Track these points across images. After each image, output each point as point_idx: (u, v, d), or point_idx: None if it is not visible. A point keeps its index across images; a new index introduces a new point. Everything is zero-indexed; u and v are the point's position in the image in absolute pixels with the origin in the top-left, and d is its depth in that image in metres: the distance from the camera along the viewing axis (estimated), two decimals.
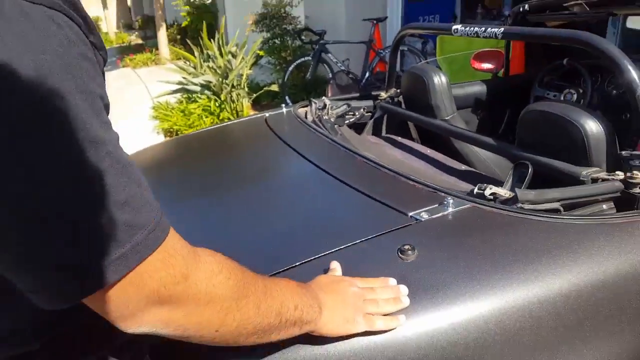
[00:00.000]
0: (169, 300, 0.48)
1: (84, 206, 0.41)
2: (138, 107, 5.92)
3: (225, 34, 6.50)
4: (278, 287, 0.63)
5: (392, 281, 0.80)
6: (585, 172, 1.18)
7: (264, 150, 1.50)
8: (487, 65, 2.56)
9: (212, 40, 4.89)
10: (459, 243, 0.91)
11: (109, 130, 0.45)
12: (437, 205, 1.01)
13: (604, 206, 1.15)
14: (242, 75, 4.82)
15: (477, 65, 2.57)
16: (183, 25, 9.41)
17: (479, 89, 2.42)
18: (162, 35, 8.97)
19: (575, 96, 2.23)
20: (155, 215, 0.47)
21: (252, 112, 5.29)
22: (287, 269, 0.86)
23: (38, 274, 0.42)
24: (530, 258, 0.86)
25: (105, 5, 13.60)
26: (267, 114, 1.82)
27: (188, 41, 6.04)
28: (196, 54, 4.94)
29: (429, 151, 1.90)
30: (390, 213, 1.01)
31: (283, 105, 1.89)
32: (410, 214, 0.99)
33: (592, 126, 1.20)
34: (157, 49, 9.37)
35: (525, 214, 0.97)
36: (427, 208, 1.00)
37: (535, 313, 0.81)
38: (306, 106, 1.96)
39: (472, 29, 1.52)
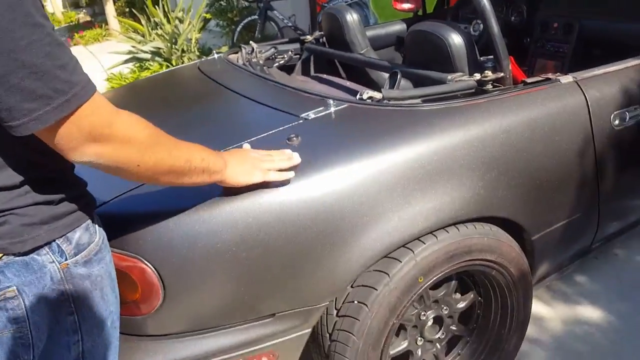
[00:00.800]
0: (100, 138, 0.70)
1: (38, 65, 0.63)
2: (94, 80, 5.94)
3: (172, 0, 6.50)
4: (188, 145, 0.85)
5: (289, 152, 1.07)
6: (450, 76, 1.46)
7: (194, 87, 1.73)
8: (407, 5, 2.79)
9: (157, 7, 4.95)
10: (334, 130, 1.19)
11: (47, 20, 0.67)
12: (322, 107, 1.27)
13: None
14: (191, 39, 4.92)
15: (398, 5, 2.80)
16: None
17: (399, 27, 2.66)
18: (110, 9, 8.82)
19: (481, 26, 2.50)
20: (85, 77, 0.70)
21: None
22: None
23: (14, 114, 0.64)
24: (382, 134, 1.14)
25: None
26: (198, 61, 2.03)
27: (135, 12, 6.04)
28: (143, 22, 5.00)
29: (348, 83, 2.15)
30: (287, 117, 1.27)
31: (214, 51, 2.09)
32: (301, 115, 1.25)
33: (454, 37, 1.47)
34: (106, 24, 9.21)
35: (386, 106, 1.24)
36: (314, 110, 1.26)
37: (385, 173, 1.10)
38: (237, 52, 2.17)
39: None
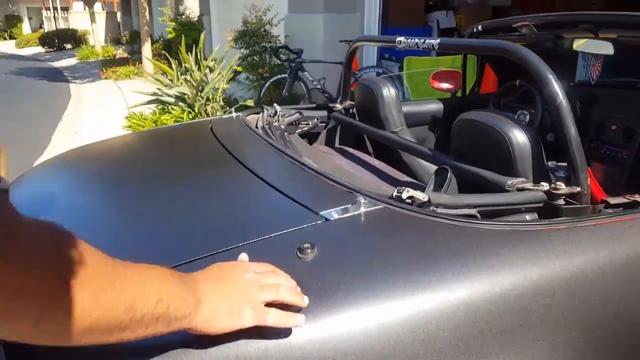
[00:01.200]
0: None
1: None
2: (114, 116, 5.89)
3: (206, 49, 6.53)
4: (139, 277, 0.55)
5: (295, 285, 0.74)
6: (510, 182, 1.18)
7: (199, 152, 1.48)
8: (445, 85, 2.59)
9: (190, 54, 4.91)
10: (364, 242, 0.90)
11: None
12: (349, 205, 0.99)
13: (527, 217, 1.14)
14: (217, 89, 4.83)
15: (436, 84, 2.61)
16: (168, 38, 9.46)
17: (435, 106, 2.44)
18: (147, 49, 8.99)
19: (527, 117, 2.26)
20: None
21: None
22: (183, 264, 0.83)
23: None
24: (432, 261, 0.84)
25: (93, 19, 13.65)
26: (212, 119, 1.80)
27: (167, 55, 6.06)
28: (174, 66, 4.95)
29: (376, 162, 1.89)
30: (302, 211, 0.99)
31: (233, 110, 1.87)
32: (321, 212, 0.97)
33: (517, 135, 1.20)
34: (140, 62, 9.38)
35: (436, 216, 0.95)
36: (338, 208, 0.98)
37: (434, 323, 0.78)
38: (258, 113, 1.95)
39: (412, 40, 1.54)
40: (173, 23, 8.90)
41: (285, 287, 0.69)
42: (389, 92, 1.88)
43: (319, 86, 5.16)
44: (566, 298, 0.89)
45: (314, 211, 0.98)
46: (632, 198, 1.15)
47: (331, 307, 0.74)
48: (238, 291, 0.65)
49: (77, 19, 20.12)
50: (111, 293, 0.50)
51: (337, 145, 2.13)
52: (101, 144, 1.70)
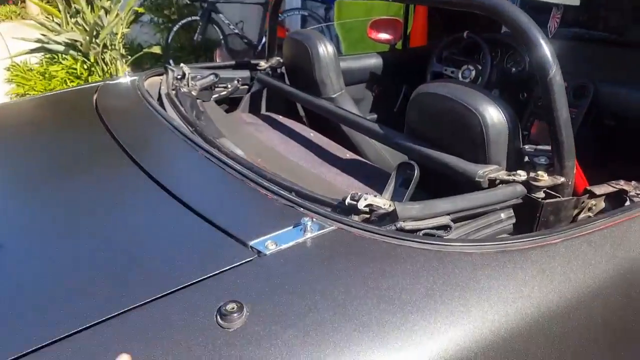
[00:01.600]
0: None
1: None
2: None
3: None
4: None
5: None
6: (482, 171, 0.96)
7: (79, 137, 1.09)
8: (384, 36, 2.32)
9: None
10: (314, 290, 0.62)
11: None
12: (291, 228, 0.71)
13: (502, 215, 0.93)
14: (116, 34, 4.16)
15: (373, 35, 2.32)
16: None
17: (374, 61, 2.17)
18: None
19: (473, 72, 2.07)
20: None
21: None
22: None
23: None
24: (408, 308, 0.59)
25: None
26: (100, 84, 1.39)
27: None
28: (61, 8, 4.17)
29: (312, 134, 1.61)
30: (223, 241, 0.69)
31: (127, 72, 1.46)
32: (251, 243, 0.68)
33: (494, 115, 0.97)
34: (24, 2, 8.04)
35: (406, 239, 0.70)
36: (275, 233, 0.70)
37: None
38: (161, 74, 1.56)
39: None
40: None
41: None
42: (326, 50, 1.56)
43: (236, 30, 4.64)
44: (575, 330, 0.70)
45: (241, 241, 0.68)
46: (617, 186, 0.98)
47: None
48: None
49: None
50: None
51: (263, 112, 1.80)
52: None
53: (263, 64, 1.80)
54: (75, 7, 4.21)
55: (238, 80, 1.74)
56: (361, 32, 3.15)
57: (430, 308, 0.59)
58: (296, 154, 1.42)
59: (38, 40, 4.15)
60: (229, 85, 1.71)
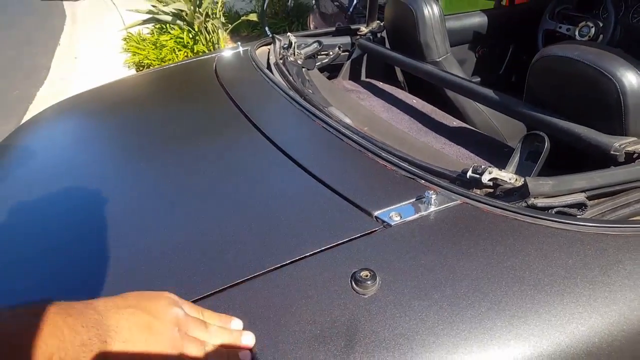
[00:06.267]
0: None
1: None
2: (112, 38, 5.45)
3: None
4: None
5: (236, 323, 0.54)
6: (618, 143, 0.88)
7: (201, 106, 1.17)
8: None
9: None
10: (443, 265, 0.63)
11: None
12: (413, 200, 0.71)
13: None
14: (217, 2, 4.32)
15: None
16: None
17: (478, 20, 2.04)
18: None
19: (593, 30, 1.87)
20: None
21: (230, 45, 4.84)
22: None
23: None
24: (546, 290, 0.58)
25: None
26: (217, 55, 1.46)
27: None
28: None
29: (415, 101, 1.57)
30: (349, 211, 0.71)
31: (239, 43, 1.52)
32: (376, 213, 0.70)
33: (633, 81, 0.88)
34: None
35: (539, 217, 0.67)
36: (399, 205, 0.71)
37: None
38: (269, 44, 1.60)
39: None
40: None
41: (211, 346, 0.51)
42: (431, 11, 1.50)
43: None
44: None
45: (366, 211, 0.70)
46: None
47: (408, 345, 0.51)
48: (163, 327, 0.47)
49: None
50: None
51: (363, 79, 1.79)
52: (97, 92, 1.39)
53: (363, 28, 1.77)
54: None
55: (339, 47, 1.73)
56: None
57: (570, 292, 0.57)
58: (401, 122, 1.40)
59: (149, 12, 4.43)
60: (331, 53, 1.71)
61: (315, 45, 1.63)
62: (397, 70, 1.82)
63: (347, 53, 1.77)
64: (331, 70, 1.78)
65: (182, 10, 4.27)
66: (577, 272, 0.59)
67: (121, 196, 0.83)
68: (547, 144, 0.80)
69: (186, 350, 0.48)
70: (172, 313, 0.49)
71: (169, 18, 4.35)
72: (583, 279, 0.58)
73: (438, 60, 1.57)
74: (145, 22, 4.54)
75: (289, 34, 1.55)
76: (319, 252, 0.64)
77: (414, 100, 1.57)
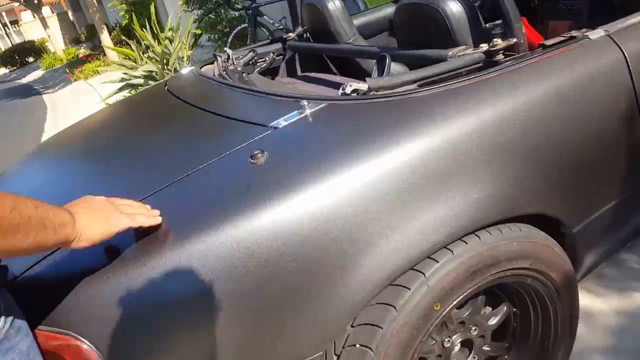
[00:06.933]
0: None
1: None
2: (92, 111, 5.89)
3: (163, 21, 6.38)
4: (11, 194, 0.62)
5: (149, 207, 0.85)
6: (451, 52, 1.22)
7: (156, 109, 1.53)
8: None
9: (145, 30, 4.82)
10: (311, 137, 0.96)
11: None
12: (296, 111, 1.05)
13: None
14: (182, 57, 4.77)
15: None
16: (123, 24, 9.22)
17: (390, 10, 2.41)
18: (106, 39, 8.80)
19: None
20: None
21: None
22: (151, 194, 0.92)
23: None
24: (369, 135, 0.91)
25: (45, 25, 13.21)
26: (167, 79, 1.84)
27: (126, 40, 5.95)
28: (134, 47, 4.88)
29: (339, 78, 1.92)
30: (254, 129, 1.05)
31: (185, 64, 1.89)
32: (271, 124, 1.03)
33: (451, 5, 1.22)
34: (104, 54, 9.21)
35: (373, 99, 1.01)
36: (285, 116, 1.04)
37: (378, 184, 0.87)
38: (212, 63, 1.97)
39: None
40: (123, 5, 8.64)
41: (140, 216, 0.80)
42: (334, 4, 1.87)
43: (281, 26, 5.06)
44: (502, 135, 0.97)
45: (263, 125, 1.04)
46: (568, 35, 1.18)
47: (284, 193, 0.83)
48: (103, 205, 0.76)
49: (30, 29, 19.40)
50: None
51: (299, 74, 2.15)
52: (76, 125, 1.76)
53: (291, 34, 2.15)
54: (144, 44, 4.89)
55: (273, 52, 2.10)
56: None
57: (386, 136, 0.91)
58: (324, 90, 1.74)
59: (121, 80, 4.90)
60: (267, 58, 2.08)
61: (251, 54, 2.00)
62: (327, 60, 2.19)
63: (281, 56, 2.14)
64: (271, 74, 2.14)
65: (151, 71, 4.72)
66: (396, 121, 0.93)
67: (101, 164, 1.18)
68: (388, 59, 1.14)
69: (126, 210, 0.78)
70: (101, 198, 0.78)
71: (141, 81, 4.79)
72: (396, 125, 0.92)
73: (349, 41, 1.94)
74: (120, 89, 4.99)
75: (225, 49, 1.92)
76: (231, 152, 0.97)
77: (338, 78, 1.92)
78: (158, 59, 4.67)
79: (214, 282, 0.78)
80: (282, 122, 1.02)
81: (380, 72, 1.17)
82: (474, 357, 1.14)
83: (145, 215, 0.81)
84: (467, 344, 1.13)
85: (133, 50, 4.89)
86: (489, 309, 1.14)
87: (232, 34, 5.09)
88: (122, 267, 0.78)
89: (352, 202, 0.85)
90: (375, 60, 1.18)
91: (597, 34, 1.13)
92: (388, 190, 0.88)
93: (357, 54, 1.67)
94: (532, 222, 1.05)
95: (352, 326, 0.92)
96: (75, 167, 1.29)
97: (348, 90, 1.10)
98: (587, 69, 1.07)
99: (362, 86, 1.10)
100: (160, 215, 0.84)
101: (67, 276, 0.79)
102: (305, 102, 1.04)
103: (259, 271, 0.80)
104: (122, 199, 0.83)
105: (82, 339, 0.75)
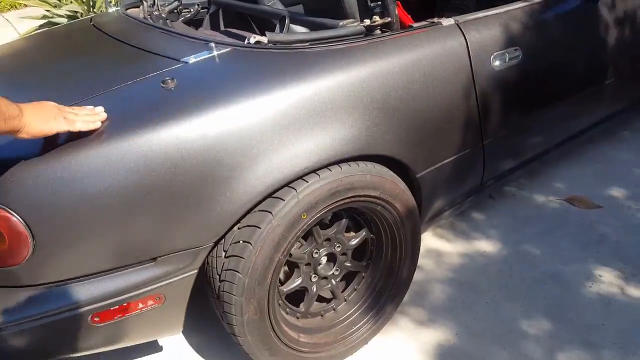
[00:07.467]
0: None
1: None
2: None
3: None
4: None
5: (99, 109, 1.04)
6: (341, 23, 1.47)
7: (79, 40, 1.66)
8: None
9: None
10: (215, 73, 1.19)
11: None
12: (204, 52, 1.26)
13: None
14: (110, 2, 4.66)
15: None
16: None
17: None
18: None
19: None
20: None
21: None
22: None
23: None
24: (263, 76, 1.15)
25: None
26: (93, 16, 1.94)
27: None
28: None
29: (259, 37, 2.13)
30: (167, 61, 1.26)
31: (112, 5, 2.00)
32: (182, 59, 1.23)
33: None
34: None
35: (270, 49, 1.25)
36: (195, 54, 1.25)
37: (266, 115, 1.12)
38: (139, 6, 2.08)
39: None
40: None
41: (82, 113, 0.98)
42: None
43: None
44: (366, 90, 1.25)
45: (175, 59, 1.24)
46: (430, 20, 1.49)
47: (190, 112, 1.06)
48: (50, 108, 0.94)
49: None
50: None
51: (222, 29, 2.32)
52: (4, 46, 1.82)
53: None
54: None
55: (198, 5, 2.25)
56: None
57: (276, 79, 1.17)
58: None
59: (43, 17, 4.68)
60: (192, 10, 2.23)
61: (176, 3, 2.14)
62: (250, 19, 2.37)
63: (206, 10, 2.29)
64: (195, 25, 2.29)
65: (76, 12, 4.57)
66: (286, 69, 1.18)
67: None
68: (287, 19, 1.37)
69: (67, 116, 0.96)
70: (51, 103, 0.96)
71: (64, 20, 4.62)
72: (287, 72, 1.17)
73: (269, 4, 2.14)
74: (40, 27, 4.77)
75: None
76: (146, 77, 1.17)
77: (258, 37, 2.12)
78: (84, 0, 4.54)
79: (130, 176, 0.99)
80: (192, 59, 1.23)
81: (281, 30, 1.41)
82: (337, 269, 1.44)
83: (84, 121, 0.98)
84: (332, 259, 1.43)
85: None
86: (352, 234, 1.45)
87: None
88: (56, 158, 0.97)
89: (244, 128, 1.10)
90: (277, 20, 1.41)
91: (449, 21, 1.45)
92: (273, 120, 1.13)
93: (267, 14, 1.88)
94: (385, 164, 1.35)
95: (238, 228, 1.17)
96: (6, 80, 1.41)
97: (252, 41, 1.32)
98: (437, 48, 1.38)
99: (263, 39, 1.33)
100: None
101: (7, 156, 0.96)
102: (213, 44, 1.25)
103: (167, 172, 1.02)
104: (71, 107, 0.99)
105: (13, 212, 0.93)
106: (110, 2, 4.58)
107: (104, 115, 1.03)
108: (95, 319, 1.06)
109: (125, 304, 1.09)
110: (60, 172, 0.96)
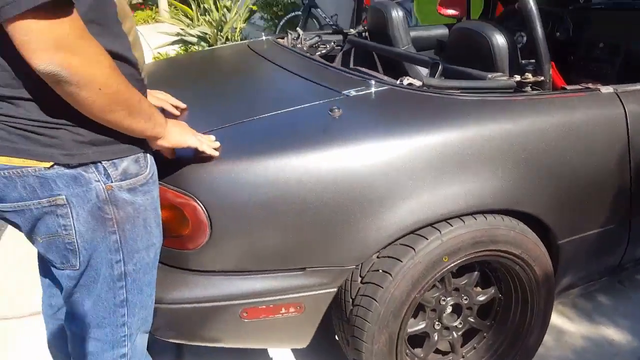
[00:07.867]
0: (71, 47, 0.71)
1: None
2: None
3: None
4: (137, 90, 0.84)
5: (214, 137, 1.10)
6: (490, 75, 1.49)
7: (240, 61, 1.82)
8: (451, 11, 2.82)
9: None
10: (374, 109, 1.24)
11: None
12: (364, 87, 1.33)
13: None
14: (235, 28, 5.06)
15: (442, 10, 2.84)
16: None
17: (441, 31, 2.69)
18: None
19: (525, 39, 2.51)
20: None
21: None
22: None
23: None
24: (418, 117, 1.20)
25: None
26: (247, 41, 2.12)
27: None
28: (193, 7, 5.18)
29: (386, 78, 2.20)
30: (330, 92, 1.33)
31: (263, 33, 2.18)
32: (344, 92, 1.31)
33: (498, 37, 1.50)
34: (156, 6, 9.48)
35: (425, 92, 1.29)
36: (356, 88, 1.32)
37: (419, 154, 1.15)
38: (283, 37, 2.25)
39: None
40: None
41: (206, 145, 1.04)
42: (397, 13, 2.14)
43: (331, 22, 5.34)
44: (517, 145, 1.24)
45: (337, 91, 1.32)
46: (586, 85, 1.46)
47: (351, 142, 1.12)
48: (184, 127, 1.01)
49: None
50: (130, 88, 0.82)
51: (351, 66, 2.43)
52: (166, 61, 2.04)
53: (352, 30, 2.43)
54: (204, 6, 5.19)
55: (334, 42, 2.38)
56: (433, 7, 3.66)
57: (431, 120, 1.21)
58: None
59: (177, 34, 5.19)
60: (328, 46, 2.36)
61: (317, 38, 2.28)
62: (377, 60, 2.46)
63: (339, 47, 2.42)
64: (327, 60, 2.42)
65: (205, 33, 5.01)
66: (438, 112, 1.22)
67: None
68: (440, 66, 1.41)
69: (195, 141, 1.01)
70: (186, 124, 1.03)
71: (194, 40, 5.09)
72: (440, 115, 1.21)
73: (402, 48, 2.21)
74: (173, 43, 5.28)
75: (297, 29, 2.20)
76: (312, 104, 1.25)
77: (385, 77, 2.20)
78: (214, 24, 4.96)
79: (299, 189, 1.07)
80: (352, 92, 1.29)
81: (432, 75, 1.45)
82: (460, 323, 1.38)
83: (208, 145, 1.05)
84: (457, 310, 1.37)
85: (192, 10, 5.18)
86: (480, 289, 1.39)
87: (285, 19, 5.38)
88: (239, 163, 1.08)
89: (398, 163, 1.12)
90: (429, 66, 1.46)
91: (607, 89, 1.41)
92: (425, 161, 1.14)
93: (409, 60, 1.94)
94: (527, 224, 1.29)
95: (378, 257, 1.18)
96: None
97: (405, 82, 1.37)
98: (594, 114, 1.34)
99: (416, 82, 1.37)
100: (217, 147, 1.08)
101: (204, 154, 1.06)
102: (373, 82, 1.31)
103: (330, 190, 1.08)
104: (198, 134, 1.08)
105: (201, 203, 1.03)
106: (235, 31, 4.97)
107: (219, 146, 1.09)
108: (244, 314, 1.12)
109: (271, 305, 1.13)
110: (244, 176, 1.06)
